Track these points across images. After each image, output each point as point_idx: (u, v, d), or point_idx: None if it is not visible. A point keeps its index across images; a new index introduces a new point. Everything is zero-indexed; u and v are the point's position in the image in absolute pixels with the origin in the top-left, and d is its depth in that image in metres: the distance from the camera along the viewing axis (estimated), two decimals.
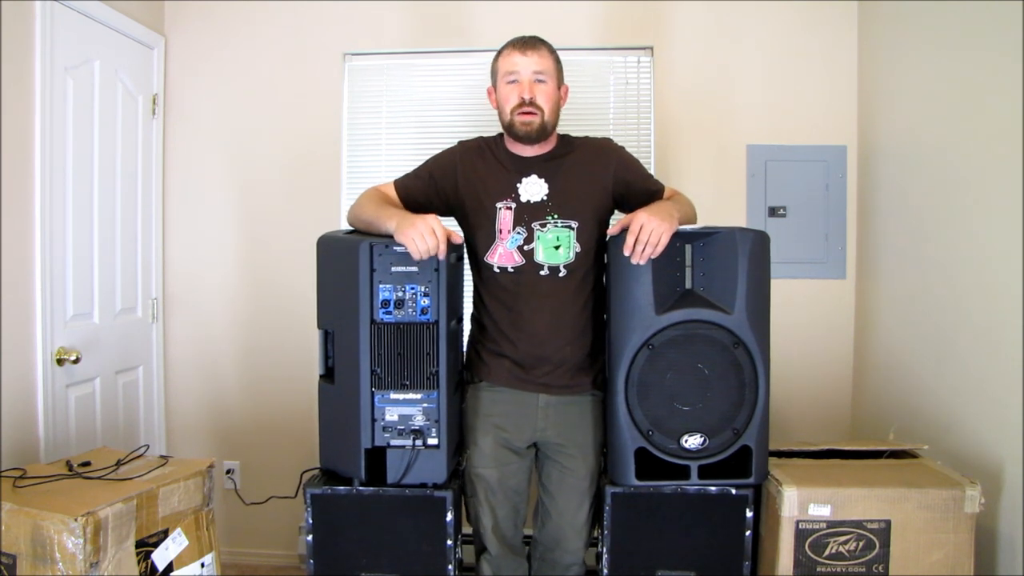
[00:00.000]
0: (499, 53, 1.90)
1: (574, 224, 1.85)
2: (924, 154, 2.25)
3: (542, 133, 1.85)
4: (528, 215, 1.85)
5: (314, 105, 2.83)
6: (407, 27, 2.80)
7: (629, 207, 1.89)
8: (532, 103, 1.82)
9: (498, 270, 1.86)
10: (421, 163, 1.98)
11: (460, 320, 1.95)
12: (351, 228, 1.90)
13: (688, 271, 1.78)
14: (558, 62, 1.89)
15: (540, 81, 1.83)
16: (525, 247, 1.85)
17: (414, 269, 1.71)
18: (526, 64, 1.83)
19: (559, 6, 2.74)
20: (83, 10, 2.38)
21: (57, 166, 2.29)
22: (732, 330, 1.74)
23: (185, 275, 2.89)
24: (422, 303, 1.72)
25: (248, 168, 2.86)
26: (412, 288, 1.72)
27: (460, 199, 1.91)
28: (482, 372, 1.92)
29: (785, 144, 2.71)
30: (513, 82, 1.84)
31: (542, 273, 1.84)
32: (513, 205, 1.86)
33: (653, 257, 1.71)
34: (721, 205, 2.71)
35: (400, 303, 1.71)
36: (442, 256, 1.66)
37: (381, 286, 1.71)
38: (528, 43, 1.85)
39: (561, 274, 1.85)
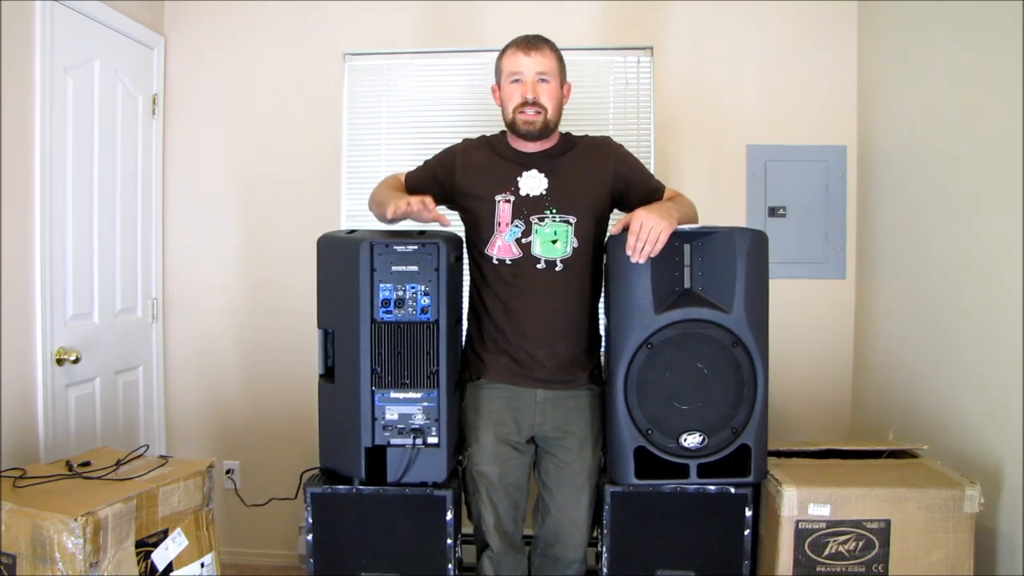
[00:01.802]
0: (503, 52, 1.91)
1: (572, 219, 1.86)
2: (924, 154, 2.25)
3: (545, 131, 1.87)
4: (527, 208, 1.87)
5: (314, 105, 2.84)
6: (407, 27, 2.80)
7: (629, 205, 1.90)
8: (535, 103, 1.84)
9: (496, 262, 1.88)
10: (428, 158, 2.01)
11: (460, 320, 1.95)
12: (351, 228, 1.92)
13: (687, 270, 1.79)
14: (561, 61, 1.91)
15: (543, 80, 1.86)
16: (523, 240, 1.86)
17: (414, 268, 1.72)
18: (529, 64, 1.85)
19: (559, 6, 2.74)
20: (83, 10, 2.38)
21: (57, 166, 2.29)
22: (731, 329, 1.74)
23: (185, 275, 2.89)
24: (422, 302, 1.72)
25: (248, 168, 2.86)
26: (412, 287, 1.72)
27: (461, 191, 1.94)
28: (480, 370, 1.93)
29: (785, 144, 2.71)
30: (516, 82, 1.86)
31: (539, 267, 1.86)
32: (512, 198, 1.87)
33: (652, 256, 1.71)
34: (721, 205, 2.71)
35: (400, 302, 1.72)
36: (415, 208, 1.75)
37: (381, 285, 1.71)
38: (531, 43, 1.87)
39: (558, 268, 1.86)
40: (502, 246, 1.87)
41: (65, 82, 2.32)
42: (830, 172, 2.71)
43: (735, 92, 2.73)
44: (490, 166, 1.92)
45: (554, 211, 1.86)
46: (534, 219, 1.86)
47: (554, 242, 1.86)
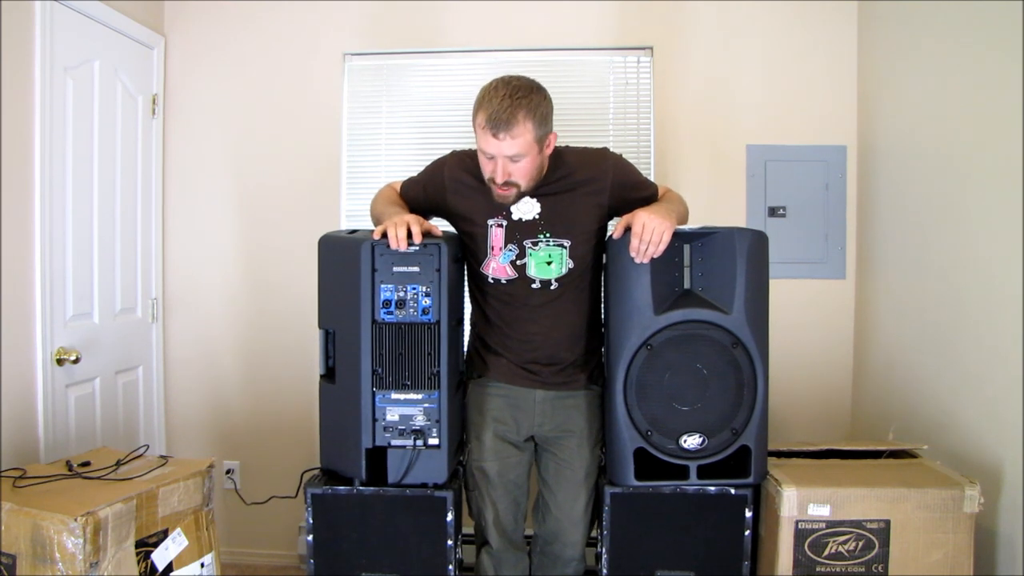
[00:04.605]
0: (476, 113, 1.74)
1: (566, 243, 1.84)
2: (924, 154, 2.26)
3: (521, 197, 1.83)
4: (520, 233, 1.85)
5: (314, 105, 2.83)
6: (407, 27, 2.80)
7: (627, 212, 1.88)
8: (507, 183, 1.76)
9: (492, 280, 1.88)
10: (424, 167, 1.98)
11: (461, 321, 1.95)
12: (352, 228, 1.91)
13: (687, 271, 1.79)
14: (540, 124, 1.72)
15: (515, 160, 1.74)
16: (517, 262, 1.85)
17: (416, 269, 1.71)
18: (499, 148, 1.71)
19: (559, 6, 2.74)
20: (83, 10, 2.38)
21: (57, 166, 2.28)
22: (731, 330, 1.74)
23: (185, 275, 2.89)
24: (423, 303, 1.72)
25: (248, 168, 2.86)
26: (414, 288, 1.72)
27: (452, 212, 1.92)
28: (482, 369, 1.94)
29: (785, 144, 2.71)
30: (490, 157, 1.76)
31: (534, 286, 1.85)
32: (504, 223, 1.85)
33: (656, 256, 1.71)
34: (721, 205, 2.71)
35: (401, 303, 1.72)
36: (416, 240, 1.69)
37: (382, 286, 1.71)
38: (500, 124, 1.68)
39: (553, 287, 1.85)
40: (496, 267, 1.86)
41: (65, 82, 2.31)
42: (830, 172, 2.71)
43: (735, 92, 2.73)
44: (480, 189, 1.85)
45: (548, 235, 1.84)
46: (527, 243, 1.84)
47: (548, 264, 1.84)
